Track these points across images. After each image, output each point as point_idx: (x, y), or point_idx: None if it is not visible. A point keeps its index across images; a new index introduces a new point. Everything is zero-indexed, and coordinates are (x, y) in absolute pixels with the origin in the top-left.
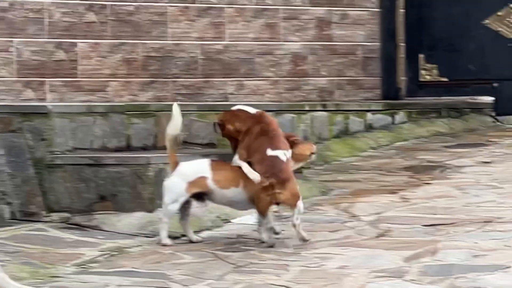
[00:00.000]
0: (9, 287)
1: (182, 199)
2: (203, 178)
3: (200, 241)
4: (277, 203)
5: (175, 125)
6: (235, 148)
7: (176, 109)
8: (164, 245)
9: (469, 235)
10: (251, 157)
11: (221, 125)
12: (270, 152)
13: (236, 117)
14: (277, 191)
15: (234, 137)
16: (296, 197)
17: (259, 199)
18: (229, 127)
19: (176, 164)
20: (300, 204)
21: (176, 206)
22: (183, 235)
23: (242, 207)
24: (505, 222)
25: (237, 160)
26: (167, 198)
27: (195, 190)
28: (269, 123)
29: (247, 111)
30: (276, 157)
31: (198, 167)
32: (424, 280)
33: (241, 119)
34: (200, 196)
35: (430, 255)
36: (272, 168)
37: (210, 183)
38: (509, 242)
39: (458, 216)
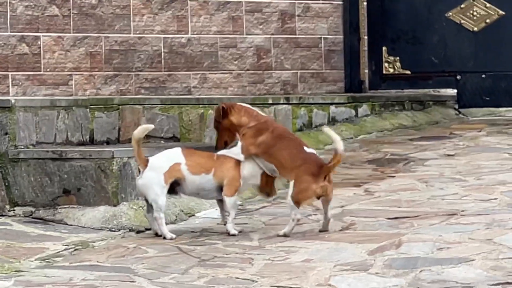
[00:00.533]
0: None
1: (165, 190)
2: (177, 164)
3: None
4: (319, 197)
5: (144, 128)
6: (225, 143)
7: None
8: (171, 239)
9: (434, 228)
10: (269, 155)
11: (224, 113)
12: (307, 149)
13: (246, 112)
14: (326, 183)
15: (230, 129)
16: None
17: (306, 190)
18: (233, 118)
19: (146, 161)
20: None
21: (163, 199)
22: (147, 229)
23: (210, 196)
24: (469, 215)
25: (239, 153)
26: (152, 194)
27: (172, 179)
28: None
29: (258, 111)
30: (315, 154)
31: (170, 155)
32: (388, 273)
33: (251, 116)
34: (173, 189)
35: (394, 248)
36: (318, 162)
37: (184, 168)
38: (473, 235)
39: (422, 209)
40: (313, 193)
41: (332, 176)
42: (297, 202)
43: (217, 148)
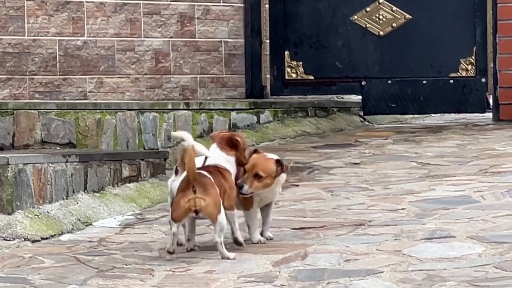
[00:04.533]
0: None
1: None
2: None
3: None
4: (196, 212)
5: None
6: None
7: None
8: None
9: (340, 238)
10: None
11: None
12: None
13: None
14: (198, 196)
15: None
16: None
17: (176, 207)
18: None
19: None
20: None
21: None
22: (43, 238)
23: None
24: (377, 225)
25: None
26: None
27: None
28: None
29: None
30: None
31: None
32: (294, 286)
33: None
34: None
35: (300, 259)
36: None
37: None
38: (381, 246)
39: (328, 219)
40: (182, 208)
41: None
42: (172, 219)
43: None
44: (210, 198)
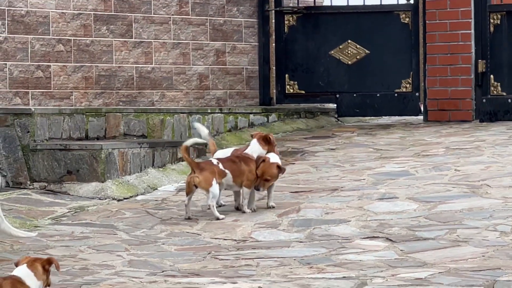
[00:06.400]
0: (11, 231)
1: None
2: None
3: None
4: (195, 186)
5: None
6: None
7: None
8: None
9: (322, 198)
10: None
11: None
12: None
13: None
14: (193, 175)
15: None
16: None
17: None
18: None
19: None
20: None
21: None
22: (125, 198)
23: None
24: (346, 190)
25: None
26: None
27: None
28: None
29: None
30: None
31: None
32: (291, 230)
33: None
34: None
35: (295, 212)
36: None
37: None
38: (349, 203)
39: (314, 186)
40: (187, 183)
41: (201, 167)
42: (186, 193)
43: None
44: (202, 177)
